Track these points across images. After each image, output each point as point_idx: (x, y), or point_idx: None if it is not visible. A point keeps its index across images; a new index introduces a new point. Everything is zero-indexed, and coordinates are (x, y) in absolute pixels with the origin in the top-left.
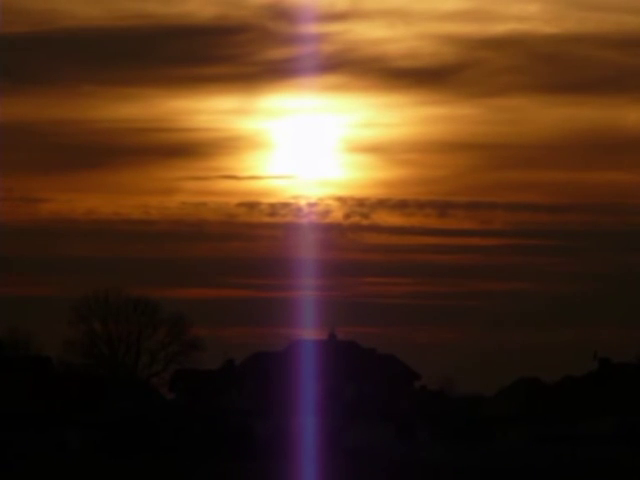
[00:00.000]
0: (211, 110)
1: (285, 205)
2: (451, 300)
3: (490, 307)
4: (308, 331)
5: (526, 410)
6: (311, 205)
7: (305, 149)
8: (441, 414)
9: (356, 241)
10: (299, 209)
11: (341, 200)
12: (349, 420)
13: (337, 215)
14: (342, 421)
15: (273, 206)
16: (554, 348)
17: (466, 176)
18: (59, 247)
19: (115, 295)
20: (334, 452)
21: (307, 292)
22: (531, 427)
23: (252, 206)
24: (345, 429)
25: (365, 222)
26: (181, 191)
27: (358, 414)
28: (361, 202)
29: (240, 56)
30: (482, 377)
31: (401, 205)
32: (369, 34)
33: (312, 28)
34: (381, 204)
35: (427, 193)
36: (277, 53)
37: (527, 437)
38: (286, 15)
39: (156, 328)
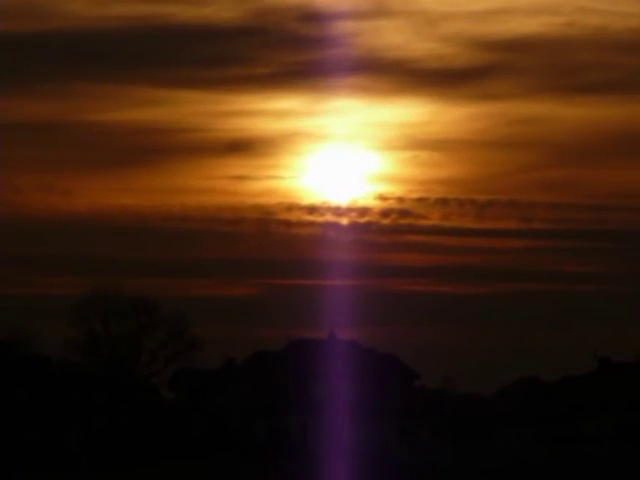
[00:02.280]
0: (249, 111)
1: (324, 204)
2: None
3: (504, 306)
4: (309, 330)
5: (526, 410)
6: (349, 205)
7: (343, 149)
8: (441, 413)
9: (393, 241)
10: (337, 208)
11: (381, 198)
12: (349, 420)
13: (375, 213)
14: (342, 421)
15: (312, 205)
16: (554, 347)
17: (505, 175)
18: (90, 244)
19: (115, 294)
20: (334, 452)
21: (332, 288)
22: (531, 427)
23: (291, 206)
24: (345, 429)
25: (403, 221)
26: (218, 190)
27: (358, 414)
28: (401, 199)
29: (263, 58)
30: (482, 376)
31: (441, 203)
32: (394, 35)
33: (338, 29)
34: (421, 201)
35: (467, 191)
36: (304, 55)
37: (527, 437)
38: (313, 17)
39: (156, 327)
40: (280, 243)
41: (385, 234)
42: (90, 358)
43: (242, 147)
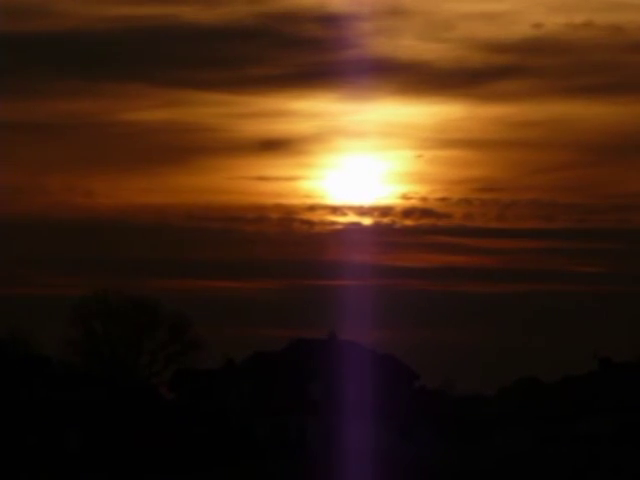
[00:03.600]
0: (271, 112)
1: (346, 204)
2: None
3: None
4: (308, 331)
5: (526, 410)
6: (372, 204)
7: (365, 149)
8: (441, 414)
9: (413, 241)
10: (360, 208)
11: (405, 197)
12: (349, 420)
13: (398, 213)
14: (342, 421)
15: (334, 205)
16: (554, 347)
17: (528, 175)
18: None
19: (115, 295)
20: (334, 452)
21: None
22: (531, 427)
23: (313, 206)
24: (345, 429)
25: (425, 221)
26: (241, 190)
27: (358, 414)
28: (424, 198)
29: (281, 59)
30: (482, 377)
31: (464, 203)
32: (411, 36)
33: (355, 30)
34: (443, 201)
35: (489, 191)
36: (323, 56)
37: (527, 437)
38: (330, 18)
39: (156, 328)
40: (302, 243)
41: (406, 234)
42: (90, 358)
43: (269, 146)
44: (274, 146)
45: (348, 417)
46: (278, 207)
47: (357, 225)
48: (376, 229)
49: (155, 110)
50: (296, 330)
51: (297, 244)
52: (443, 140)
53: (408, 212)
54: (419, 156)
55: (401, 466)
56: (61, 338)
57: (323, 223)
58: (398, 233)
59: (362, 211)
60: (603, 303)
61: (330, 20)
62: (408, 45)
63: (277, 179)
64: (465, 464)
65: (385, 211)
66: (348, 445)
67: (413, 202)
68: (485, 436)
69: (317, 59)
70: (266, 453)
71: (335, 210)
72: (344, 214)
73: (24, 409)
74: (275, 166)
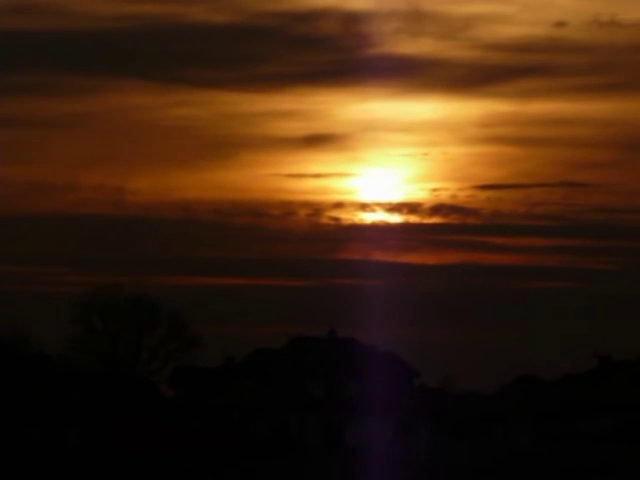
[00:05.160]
0: (302, 110)
1: (375, 201)
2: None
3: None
4: (308, 328)
5: (526, 408)
6: (400, 201)
7: (392, 145)
8: (441, 412)
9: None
10: (388, 204)
11: (433, 194)
12: (349, 418)
13: (425, 210)
14: (342, 418)
15: (363, 202)
16: (555, 345)
17: (556, 174)
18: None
19: (115, 292)
20: (334, 450)
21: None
22: (531, 425)
23: (342, 203)
24: (345, 427)
25: (453, 218)
26: (269, 186)
27: (358, 412)
28: (454, 195)
29: (304, 58)
30: (482, 374)
31: (493, 200)
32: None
33: (377, 30)
34: (471, 198)
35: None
36: (346, 54)
37: (527, 435)
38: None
39: (156, 325)
40: (329, 240)
41: (434, 231)
42: (90, 356)
43: (310, 142)
44: (311, 142)
45: (349, 415)
46: (306, 204)
47: (384, 222)
48: (403, 226)
49: (186, 108)
50: (311, 328)
51: (324, 241)
52: (469, 138)
53: (436, 209)
54: (425, 154)
55: (400, 464)
56: (61, 335)
57: (351, 220)
58: (425, 230)
59: (390, 208)
60: (606, 301)
61: (358, 19)
62: (430, 44)
63: (305, 175)
64: (464, 462)
65: (413, 208)
66: (348, 443)
67: (442, 199)
68: (485, 434)
69: (342, 57)
70: (266, 451)
71: (364, 207)
72: (373, 210)
73: (24, 407)
74: (305, 162)
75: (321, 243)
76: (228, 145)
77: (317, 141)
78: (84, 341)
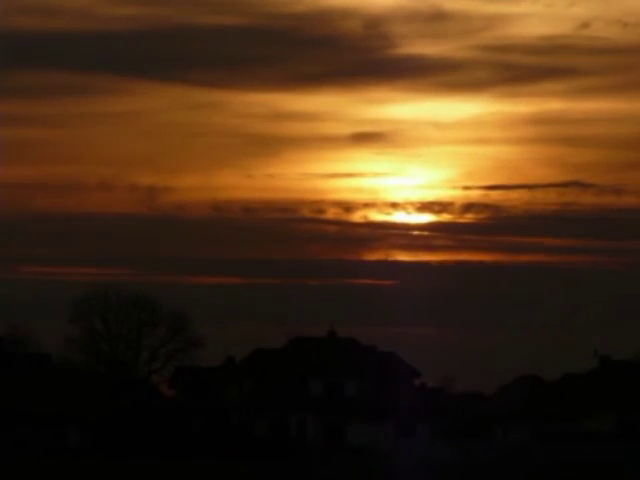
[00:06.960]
0: (320, 110)
1: (406, 200)
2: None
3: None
4: (308, 328)
5: (526, 408)
6: (431, 200)
7: (426, 146)
8: (441, 412)
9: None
10: (419, 203)
11: (464, 192)
12: (349, 418)
13: (457, 208)
14: (342, 418)
15: (393, 202)
16: (555, 345)
17: (590, 175)
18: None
19: (115, 292)
20: (334, 450)
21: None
22: (531, 425)
23: (372, 203)
24: (345, 427)
25: (483, 216)
26: (300, 186)
27: (358, 412)
28: (485, 194)
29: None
30: (482, 375)
31: (525, 201)
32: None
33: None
34: (503, 197)
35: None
36: (371, 55)
37: (527, 435)
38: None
39: (156, 325)
40: (359, 240)
41: (465, 230)
42: (90, 355)
43: (360, 140)
44: (347, 142)
45: (349, 415)
46: (337, 203)
47: (411, 222)
48: (433, 225)
49: (212, 110)
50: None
51: (353, 240)
52: (496, 138)
53: (467, 207)
54: (427, 154)
55: (401, 464)
56: (61, 335)
57: (381, 219)
58: (456, 229)
59: (421, 207)
60: (606, 301)
61: (376, 22)
62: (454, 45)
63: (334, 175)
64: (465, 462)
65: (443, 207)
66: (348, 443)
67: (472, 198)
68: (485, 434)
69: (369, 57)
70: (266, 451)
71: (395, 206)
72: (404, 209)
73: (24, 407)
74: (332, 161)
75: (349, 243)
76: (273, 143)
77: (350, 141)
78: (84, 341)
